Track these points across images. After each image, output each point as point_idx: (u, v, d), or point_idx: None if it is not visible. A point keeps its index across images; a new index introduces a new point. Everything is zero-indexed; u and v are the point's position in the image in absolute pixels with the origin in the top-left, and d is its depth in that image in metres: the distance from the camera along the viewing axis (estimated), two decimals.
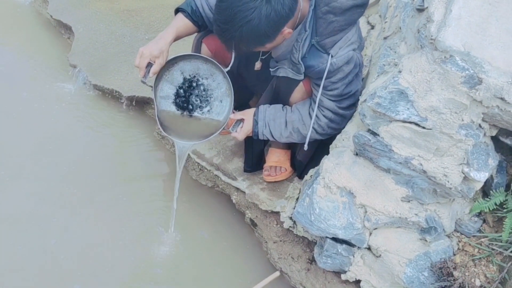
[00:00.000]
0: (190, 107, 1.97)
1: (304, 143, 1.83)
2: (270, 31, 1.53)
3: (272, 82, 1.88)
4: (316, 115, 1.77)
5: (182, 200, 2.36)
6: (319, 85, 1.70)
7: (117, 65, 2.79)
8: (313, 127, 1.78)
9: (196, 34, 1.95)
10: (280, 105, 1.88)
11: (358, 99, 1.79)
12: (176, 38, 1.78)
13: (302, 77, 1.70)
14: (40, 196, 2.29)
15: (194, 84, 1.95)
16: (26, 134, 2.57)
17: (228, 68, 1.80)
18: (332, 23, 1.61)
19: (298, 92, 1.81)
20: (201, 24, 1.84)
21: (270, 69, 1.80)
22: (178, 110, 1.95)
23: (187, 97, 1.96)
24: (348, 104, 1.77)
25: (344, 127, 1.81)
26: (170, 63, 1.83)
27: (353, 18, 1.64)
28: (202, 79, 1.95)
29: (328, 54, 1.64)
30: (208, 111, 1.97)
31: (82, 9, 3.15)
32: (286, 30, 1.57)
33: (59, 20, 3.11)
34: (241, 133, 1.87)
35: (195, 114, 1.98)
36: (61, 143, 2.55)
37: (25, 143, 2.53)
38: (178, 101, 1.95)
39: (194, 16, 1.80)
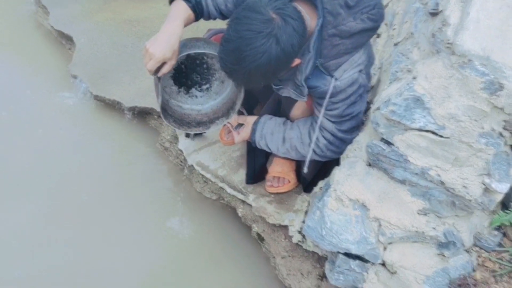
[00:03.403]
0: (189, 82, 1.87)
1: (304, 162, 1.75)
2: (280, 70, 1.49)
3: (274, 95, 1.83)
4: (316, 136, 1.71)
5: (186, 213, 2.30)
6: (320, 104, 1.63)
7: (119, 76, 2.74)
8: (312, 148, 1.73)
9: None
10: (282, 119, 1.82)
11: (362, 122, 1.74)
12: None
13: (305, 98, 1.65)
14: (41, 209, 2.23)
15: (198, 61, 1.85)
16: (26, 146, 2.53)
17: None
18: (338, 46, 1.54)
19: (299, 108, 1.76)
20: (199, 17, 1.74)
21: (273, 86, 1.74)
22: (175, 85, 1.85)
23: (188, 74, 1.86)
24: (348, 127, 1.68)
25: (343, 152, 1.74)
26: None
27: (361, 41, 1.58)
28: (207, 57, 1.85)
29: (332, 76, 1.57)
30: (207, 88, 1.89)
31: (83, 20, 3.12)
32: (295, 62, 1.52)
33: (60, 31, 3.07)
34: (238, 137, 1.85)
35: (193, 90, 1.89)
36: (61, 154, 2.49)
37: (25, 154, 2.48)
38: (177, 75, 1.84)
39: (197, 8, 1.69)
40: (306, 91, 1.62)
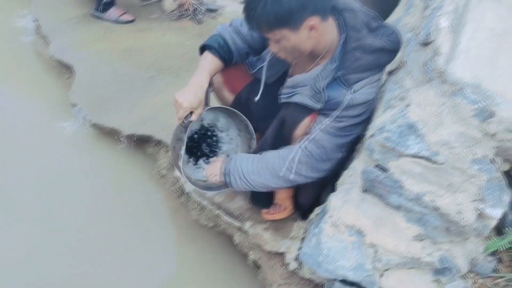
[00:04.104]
0: (199, 153, 1.98)
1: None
2: (296, 8, 1.45)
3: (278, 116, 1.84)
4: (305, 145, 1.69)
5: (181, 241, 2.29)
6: (327, 115, 1.65)
7: (118, 104, 2.77)
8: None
9: None
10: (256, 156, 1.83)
11: (351, 150, 1.75)
12: (210, 80, 1.79)
13: (319, 106, 1.64)
14: (36, 236, 2.21)
15: (209, 133, 1.97)
16: (24, 174, 2.52)
17: (258, 97, 1.80)
18: (359, 60, 1.58)
19: (303, 128, 1.74)
20: (228, 59, 1.82)
21: (281, 96, 1.75)
22: (186, 153, 1.94)
23: (199, 144, 1.97)
24: (340, 142, 1.69)
25: (319, 173, 1.73)
26: None
27: (381, 62, 1.63)
28: (218, 130, 2.01)
29: (350, 89, 1.61)
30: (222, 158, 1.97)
31: (83, 49, 3.17)
32: (312, 21, 1.50)
33: (60, 60, 3.12)
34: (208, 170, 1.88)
35: (201, 162, 1.99)
36: (59, 182, 2.49)
37: (23, 182, 2.48)
38: (189, 144, 1.96)
39: (222, 51, 1.79)
40: (325, 97, 1.62)
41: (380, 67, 1.65)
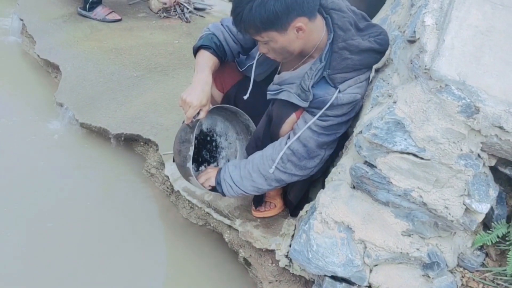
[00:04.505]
0: (200, 159, 1.98)
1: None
2: (281, 11, 1.46)
3: (267, 112, 1.84)
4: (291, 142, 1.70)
5: (172, 240, 2.28)
6: (313, 113, 1.66)
7: (105, 103, 2.76)
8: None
9: None
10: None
11: (327, 152, 1.75)
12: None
13: (306, 104, 1.65)
14: (23, 237, 2.18)
15: (208, 138, 1.99)
16: (12, 174, 2.49)
17: (247, 95, 1.80)
18: (347, 60, 1.60)
19: (290, 124, 1.74)
20: (223, 59, 1.85)
21: (269, 93, 1.75)
22: None
23: (200, 150, 1.97)
24: (324, 141, 1.70)
25: (301, 178, 1.76)
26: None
27: (368, 62, 1.64)
28: (217, 135, 2.01)
29: (336, 88, 1.62)
30: (214, 167, 1.97)
31: (69, 48, 3.14)
32: (299, 23, 1.51)
33: (46, 60, 3.09)
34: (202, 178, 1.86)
35: (202, 168, 1.99)
36: (47, 182, 2.46)
37: (10, 182, 2.44)
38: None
39: (219, 51, 1.82)
40: (311, 96, 1.63)
41: (367, 67, 1.66)
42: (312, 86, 1.62)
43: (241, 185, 1.80)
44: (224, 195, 1.87)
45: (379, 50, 1.64)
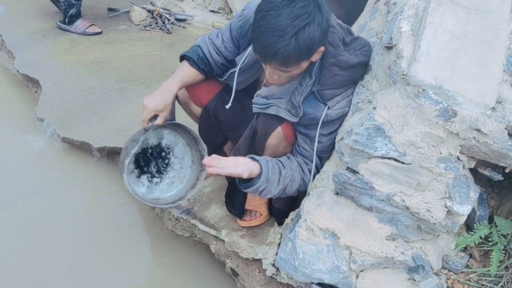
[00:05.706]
0: (145, 169, 1.95)
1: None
2: (320, 38, 1.47)
3: (251, 125, 1.84)
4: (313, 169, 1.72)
5: (158, 252, 2.26)
6: (305, 135, 1.67)
7: (87, 117, 2.73)
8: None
9: None
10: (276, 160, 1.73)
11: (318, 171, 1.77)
12: (181, 88, 1.81)
13: (296, 120, 1.64)
14: (7, 254, 2.14)
15: (163, 154, 1.96)
16: None
17: (230, 104, 1.79)
18: (336, 76, 1.61)
19: (276, 137, 1.72)
20: (207, 71, 1.86)
21: (255, 106, 1.72)
22: (133, 164, 1.91)
23: (150, 160, 1.95)
24: (322, 164, 1.74)
25: (292, 194, 1.77)
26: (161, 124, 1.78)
27: (355, 77, 1.66)
28: (173, 155, 1.98)
29: (325, 105, 1.63)
30: (156, 183, 1.96)
31: (49, 62, 3.12)
32: (322, 46, 1.53)
33: (26, 75, 3.05)
34: (231, 168, 1.56)
35: (143, 178, 1.95)
36: (29, 198, 2.42)
37: None
38: (139, 156, 1.91)
39: (201, 63, 1.83)
40: (301, 112, 1.63)
41: (354, 82, 1.68)
42: (302, 102, 1.63)
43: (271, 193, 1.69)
44: (246, 187, 1.65)
45: (366, 62, 1.66)
